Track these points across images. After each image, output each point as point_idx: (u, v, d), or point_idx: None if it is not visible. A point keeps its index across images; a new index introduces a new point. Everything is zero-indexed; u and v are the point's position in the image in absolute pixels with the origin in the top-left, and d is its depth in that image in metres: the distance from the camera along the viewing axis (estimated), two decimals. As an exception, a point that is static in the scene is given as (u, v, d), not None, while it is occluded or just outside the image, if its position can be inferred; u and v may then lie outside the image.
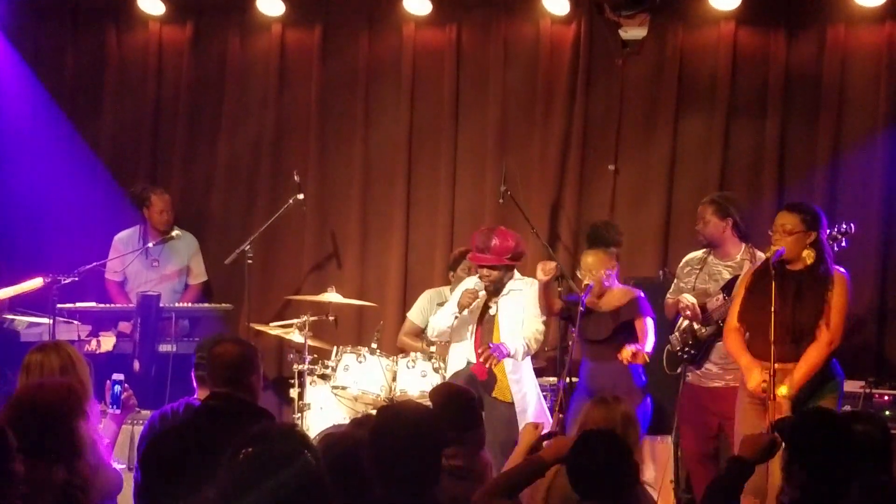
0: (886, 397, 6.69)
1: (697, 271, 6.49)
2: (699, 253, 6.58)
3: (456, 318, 6.56)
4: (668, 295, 6.57)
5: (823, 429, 3.78)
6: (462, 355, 6.64)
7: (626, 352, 6.04)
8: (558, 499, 3.93)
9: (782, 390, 5.35)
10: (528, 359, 6.62)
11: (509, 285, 6.55)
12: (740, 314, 5.70)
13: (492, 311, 6.55)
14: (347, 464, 3.44)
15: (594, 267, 6.28)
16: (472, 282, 6.64)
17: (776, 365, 5.33)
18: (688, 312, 6.30)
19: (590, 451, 3.70)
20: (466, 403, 4.58)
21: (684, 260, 6.63)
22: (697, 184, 7.68)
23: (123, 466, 5.07)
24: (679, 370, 6.42)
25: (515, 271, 6.64)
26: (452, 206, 8.09)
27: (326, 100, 8.21)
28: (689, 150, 7.74)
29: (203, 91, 8.38)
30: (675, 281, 6.60)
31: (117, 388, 4.37)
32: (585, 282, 6.32)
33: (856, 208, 7.34)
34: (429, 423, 3.49)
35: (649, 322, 6.29)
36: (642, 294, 6.38)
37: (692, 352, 6.31)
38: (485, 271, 6.52)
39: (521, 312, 6.50)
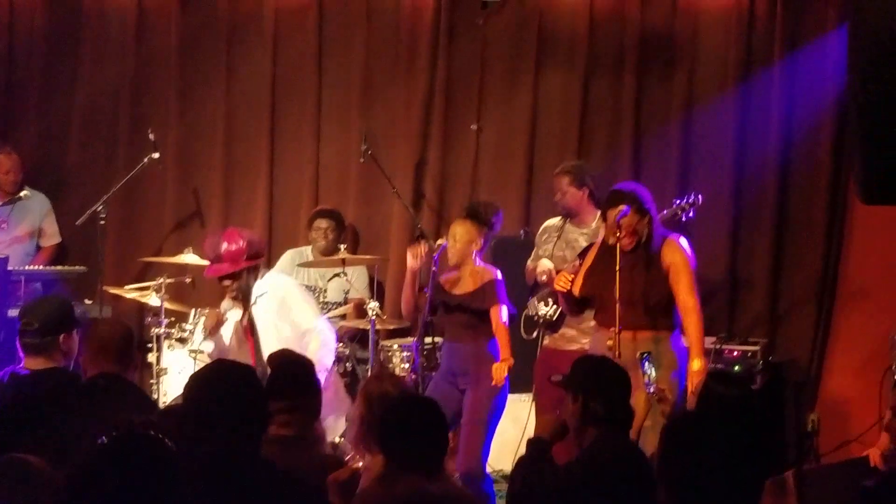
0: (736, 353, 6.93)
1: (555, 238, 6.58)
2: (556, 220, 6.69)
3: (216, 343, 6.23)
4: (528, 262, 6.67)
5: None
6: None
7: (498, 373, 5.89)
8: None
9: (696, 364, 5.42)
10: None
11: (255, 290, 5.96)
12: (584, 289, 5.74)
13: (245, 322, 6.12)
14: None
15: (460, 238, 6.18)
16: (227, 303, 6.18)
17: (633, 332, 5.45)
18: (544, 278, 6.43)
19: (403, 417, 3.68)
20: (301, 369, 4.51)
21: (542, 227, 6.76)
22: (558, 142, 7.73)
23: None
24: (535, 334, 6.50)
25: (262, 269, 6.08)
26: (317, 163, 7.98)
27: (186, 53, 7.98)
28: (549, 109, 7.75)
29: (57, 43, 8.05)
30: (535, 248, 6.68)
31: None
32: (439, 241, 6.28)
33: (709, 161, 7.51)
34: (245, 374, 3.43)
35: (504, 311, 6.07)
36: (500, 276, 6.17)
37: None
38: (226, 282, 5.97)
39: (272, 318, 5.95)
